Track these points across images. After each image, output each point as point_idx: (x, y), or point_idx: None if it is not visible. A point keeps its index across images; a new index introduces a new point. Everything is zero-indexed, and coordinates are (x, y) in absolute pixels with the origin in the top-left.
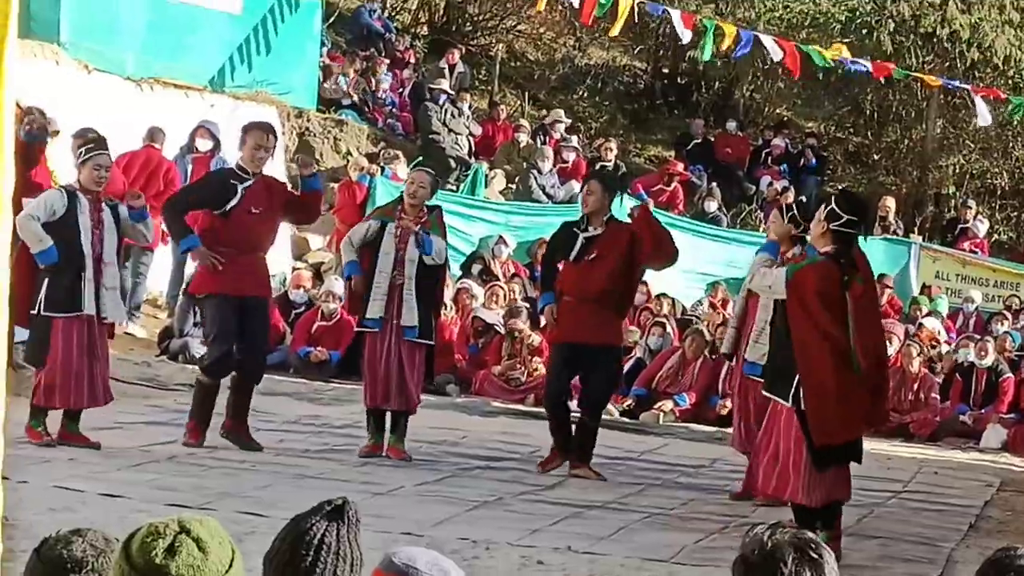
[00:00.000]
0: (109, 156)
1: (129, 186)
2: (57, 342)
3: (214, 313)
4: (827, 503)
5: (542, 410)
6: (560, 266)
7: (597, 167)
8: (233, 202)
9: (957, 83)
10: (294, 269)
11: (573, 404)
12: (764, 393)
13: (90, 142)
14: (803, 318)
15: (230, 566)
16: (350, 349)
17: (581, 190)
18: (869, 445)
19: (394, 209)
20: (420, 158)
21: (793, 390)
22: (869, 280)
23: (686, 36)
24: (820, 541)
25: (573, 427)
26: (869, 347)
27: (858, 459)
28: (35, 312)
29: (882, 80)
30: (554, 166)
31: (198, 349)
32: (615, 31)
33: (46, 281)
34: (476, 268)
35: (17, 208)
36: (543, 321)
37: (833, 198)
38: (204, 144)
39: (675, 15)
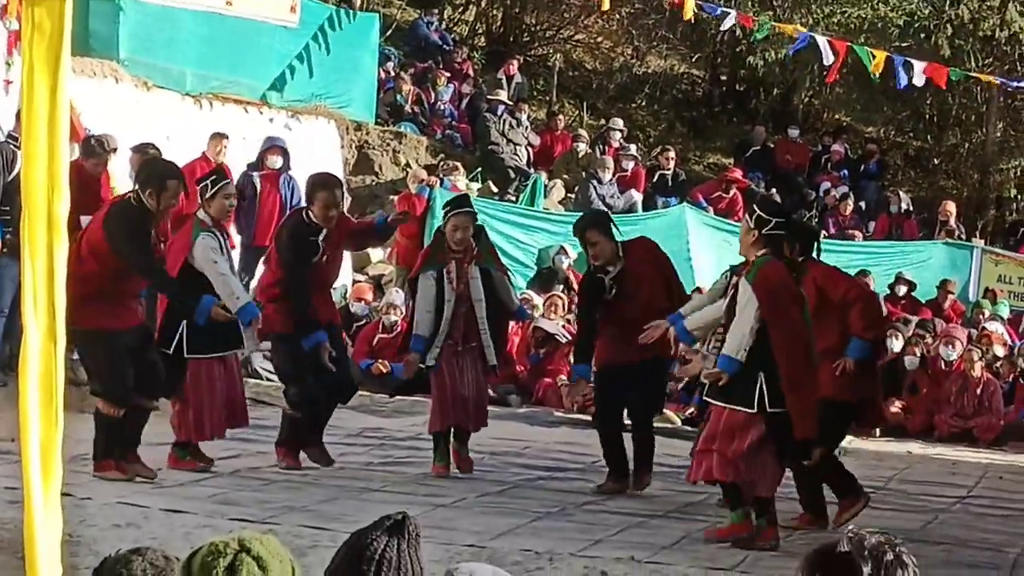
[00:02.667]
0: (232, 186)
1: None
2: (202, 379)
3: (290, 350)
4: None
5: None
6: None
7: (655, 176)
8: (315, 258)
9: (1016, 83)
10: (355, 282)
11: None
12: (716, 403)
13: (212, 173)
14: (779, 316)
15: None
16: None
17: (582, 245)
18: (934, 451)
19: (442, 252)
20: (478, 170)
21: (757, 397)
22: (819, 279)
23: (728, 23)
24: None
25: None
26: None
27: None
28: (169, 351)
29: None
30: (614, 175)
31: (260, 363)
32: (686, 15)
33: (186, 323)
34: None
35: (73, 227)
36: (567, 393)
37: (756, 205)
38: (275, 161)
39: (731, 14)
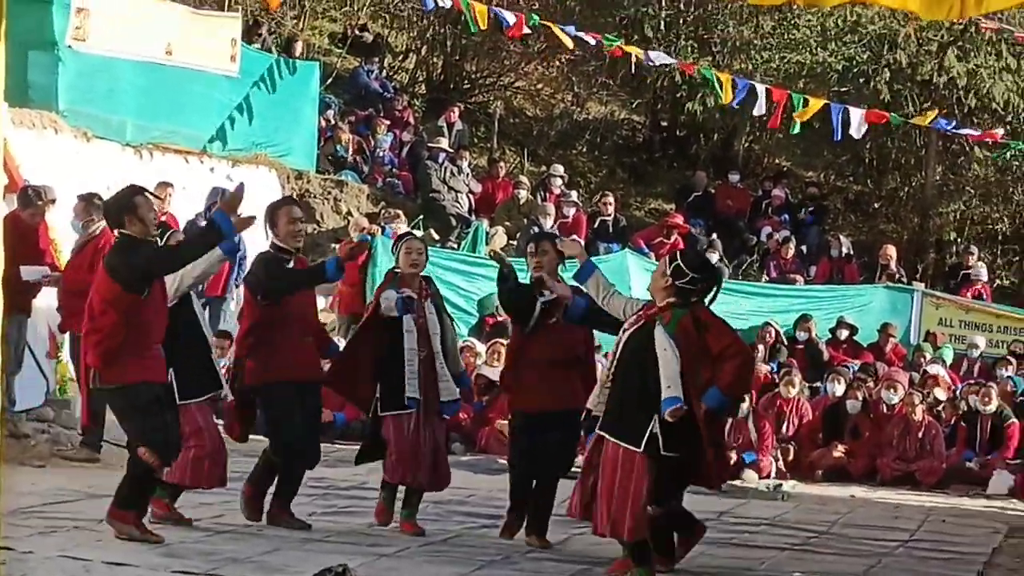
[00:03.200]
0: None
1: None
2: (198, 425)
3: (281, 400)
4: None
5: None
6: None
7: (596, 222)
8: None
9: (947, 124)
10: None
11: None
12: (609, 438)
13: (159, 227)
14: (694, 367)
15: None
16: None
17: (527, 250)
18: (876, 494)
19: (397, 285)
20: (419, 218)
21: (648, 436)
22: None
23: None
24: None
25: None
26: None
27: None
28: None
29: (880, 127)
30: (555, 221)
31: None
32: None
33: (174, 369)
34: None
35: (11, 279)
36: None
37: (680, 255)
38: None
39: (667, 59)
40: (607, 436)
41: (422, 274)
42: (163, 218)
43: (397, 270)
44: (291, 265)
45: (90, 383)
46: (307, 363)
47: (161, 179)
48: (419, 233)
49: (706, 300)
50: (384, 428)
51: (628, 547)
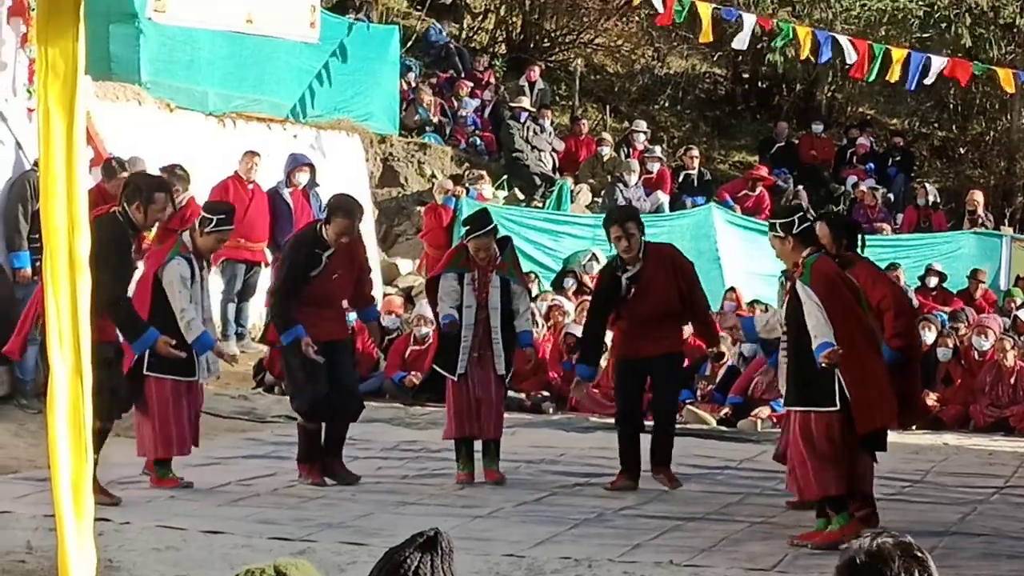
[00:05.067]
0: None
1: None
2: (167, 397)
3: (299, 360)
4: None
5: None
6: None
7: (681, 176)
8: (316, 271)
9: None
10: (385, 295)
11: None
12: (798, 409)
13: (221, 212)
14: (838, 307)
15: None
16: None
17: (610, 232)
18: (970, 441)
19: (466, 259)
20: (503, 178)
21: (839, 392)
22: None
23: (742, 43)
24: (920, 547)
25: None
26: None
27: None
28: (134, 367)
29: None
30: (639, 177)
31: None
32: (704, 38)
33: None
34: (568, 283)
35: None
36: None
37: (770, 220)
38: (301, 178)
39: (748, 20)
40: (794, 408)
41: (504, 236)
42: (251, 187)
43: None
44: (331, 251)
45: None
46: (333, 324)
47: (245, 148)
48: (498, 192)
49: (858, 248)
50: (446, 387)
51: (819, 505)
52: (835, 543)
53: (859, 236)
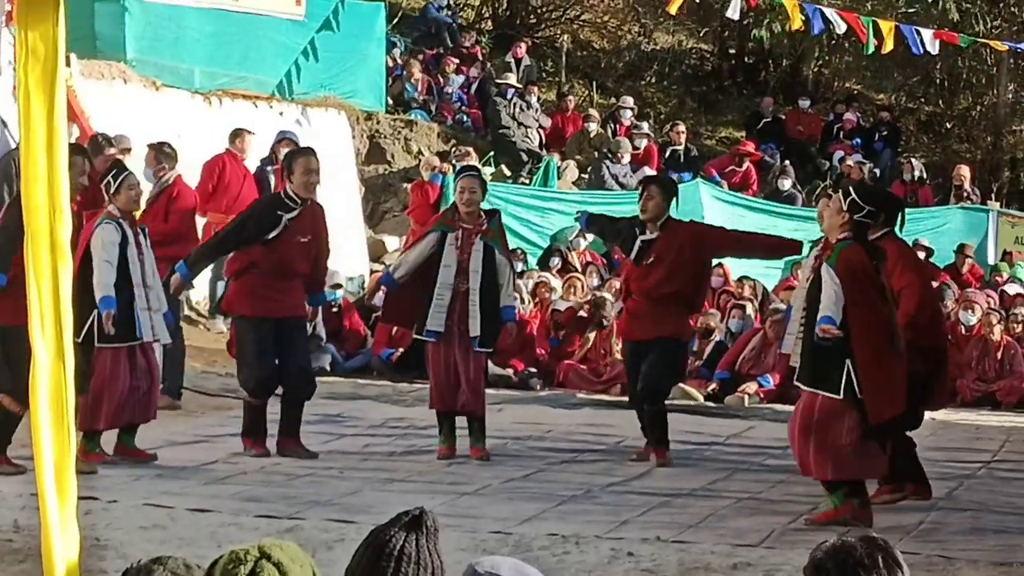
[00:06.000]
0: (135, 176)
1: (207, 194)
2: (104, 369)
3: (251, 335)
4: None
5: (626, 399)
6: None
7: (668, 153)
8: (275, 233)
9: (1017, 45)
10: (372, 272)
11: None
12: (804, 388)
13: (114, 167)
14: (857, 298)
15: None
16: (411, 349)
17: (640, 194)
18: (957, 416)
19: (452, 218)
20: (490, 155)
21: (844, 381)
22: (897, 264)
23: (734, 12)
24: (885, 539)
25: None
26: (921, 328)
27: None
28: (80, 340)
29: (950, 48)
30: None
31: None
32: (672, 8)
33: (95, 313)
34: (554, 261)
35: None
36: None
37: (853, 190)
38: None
39: None
40: (803, 387)
41: (493, 208)
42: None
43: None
44: (294, 215)
45: None
46: (289, 300)
47: (231, 125)
48: (485, 169)
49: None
50: (425, 353)
51: (832, 486)
52: (831, 521)
53: (899, 213)
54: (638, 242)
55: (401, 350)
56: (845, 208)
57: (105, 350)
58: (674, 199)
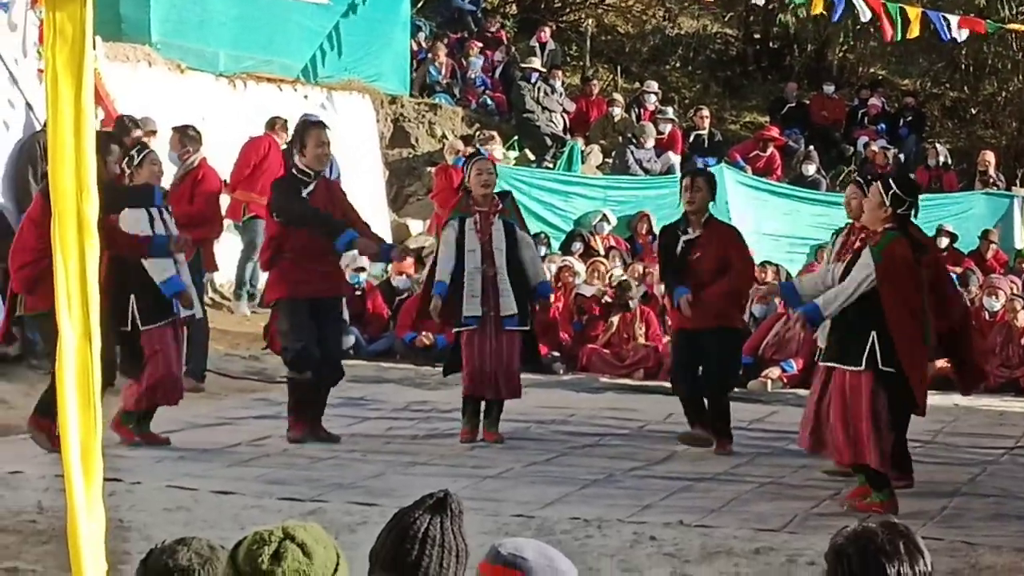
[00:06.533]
0: (157, 153)
1: (243, 172)
2: (156, 349)
3: (286, 314)
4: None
5: (649, 383)
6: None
7: (692, 137)
8: None
9: None
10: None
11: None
12: (828, 364)
13: (136, 143)
14: (899, 294)
15: (335, 570)
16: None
17: (682, 184)
18: (980, 402)
19: (468, 204)
20: (514, 139)
21: (867, 354)
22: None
23: None
24: (907, 525)
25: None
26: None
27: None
28: (127, 328)
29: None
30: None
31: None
32: None
33: (134, 296)
34: (576, 246)
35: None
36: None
37: (894, 182)
38: None
39: None
40: (832, 364)
41: (504, 189)
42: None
43: (470, 190)
44: (310, 189)
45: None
46: (323, 280)
47: (255, 108)
48: (509, 153)
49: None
50: (460, 341)
51: (867, 472)
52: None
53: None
54: (681, 242)
55: (425, 335)
56: (888, 203)
57: (153, 334)
58: (714, 194)
